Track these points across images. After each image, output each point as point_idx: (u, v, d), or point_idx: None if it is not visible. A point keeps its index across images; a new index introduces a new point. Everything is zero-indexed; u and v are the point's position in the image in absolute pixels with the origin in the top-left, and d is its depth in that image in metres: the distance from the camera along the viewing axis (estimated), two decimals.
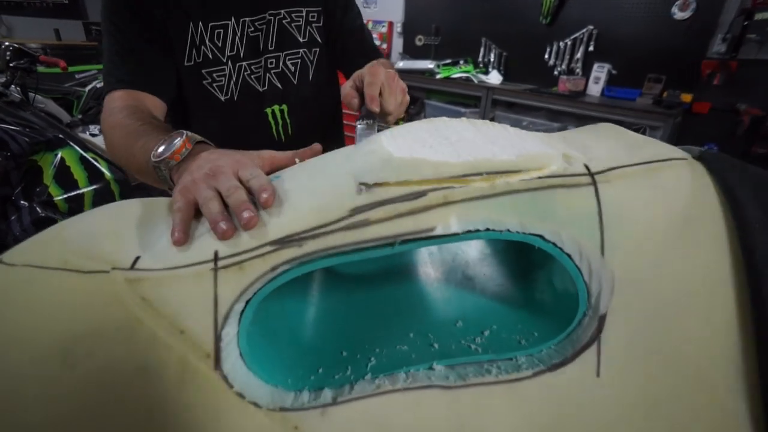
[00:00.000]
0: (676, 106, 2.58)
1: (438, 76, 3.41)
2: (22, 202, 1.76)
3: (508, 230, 0.33)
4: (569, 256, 0.33)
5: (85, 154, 1.89)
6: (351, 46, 0.91)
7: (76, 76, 3.12)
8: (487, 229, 0.32)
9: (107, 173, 1.92)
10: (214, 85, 0.81)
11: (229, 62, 0.80)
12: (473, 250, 0.46)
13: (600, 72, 2.99)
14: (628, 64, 2.90)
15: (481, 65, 3.57)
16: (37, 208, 1.76)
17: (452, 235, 0.32)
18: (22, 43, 4.96)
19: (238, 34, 0.80)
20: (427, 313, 0.40)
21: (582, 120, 2.97)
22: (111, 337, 0.32)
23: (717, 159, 0.35)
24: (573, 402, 0.32)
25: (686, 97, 2.66)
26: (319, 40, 0.89)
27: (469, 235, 0.33)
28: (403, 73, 3.81)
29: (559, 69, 3.19)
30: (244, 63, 0.82)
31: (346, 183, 0.34)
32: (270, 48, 0.84)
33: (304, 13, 0.86)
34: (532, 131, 0.45)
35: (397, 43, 4.07)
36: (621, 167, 0.35)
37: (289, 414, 0.32)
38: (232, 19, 0.79)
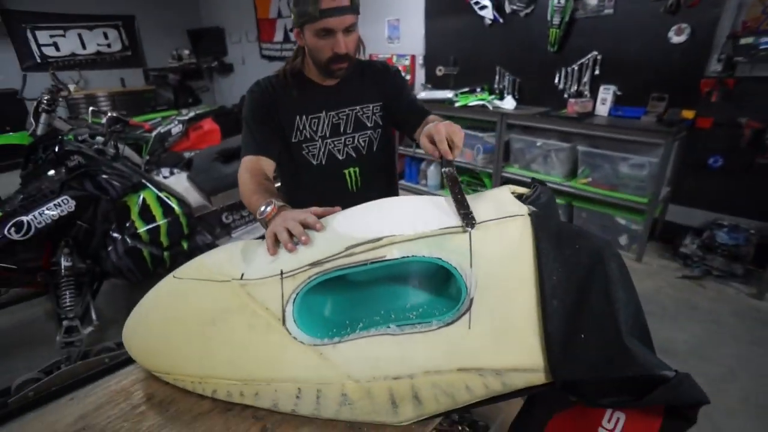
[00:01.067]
0: (677, 122, 2.76)
1: (457, 104, 3.71)
2: (115, 234, 2.22)
3: (424, 256, 0.65)
4: (456, 269, 0.65)
5: (160, 194, 2.35)
6: (407, 113, 1.29)
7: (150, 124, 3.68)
8: (413, 256, 0.65)
9: (177, 208, 2.38)
10: (310, 154, 1.26)
11: (320, 140, 1.26)
12: (418, 269, 0.79)
13: (606, 93, 3.20)
14: (632, 85, 3.10)
15: (496, 91, 3.85)
16: (127, 239, 2.22)
17: (395, 260, 0.66)
18: (92, 94, 5.68)
19: (326, 122, 1.25)
20: (390, 301, 0.73)
21: (591, 139, 3.16)
22: (234, 311, 0.68)
23: (537, 216, 0.66)
24: (457, 341, 0.63)
25: (688, 114, 2.84)
26: (381, 123, 1.31)
27: (404, 259, 0.66)
28: (425, 103, 4.15)
29: (568, 92, 3.42)
30: (329, 140, 1.27)
31: (346, 236, 0.69)
32: (348, 131, 1.27)
33: (370, 107, 1.29)
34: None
35: (420, 74, 4.43)
36: (486, 221, 0.67)
37: (318, 347, 0.66)
38: (323, 112, 1.24)
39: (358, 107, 1.27)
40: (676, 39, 2.82)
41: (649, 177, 2.79)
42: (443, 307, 0.70)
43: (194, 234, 2.43)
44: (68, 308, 2.01)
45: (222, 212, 2.59)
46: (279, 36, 5.86)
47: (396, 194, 1.43)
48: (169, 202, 2.37)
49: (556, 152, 3.30)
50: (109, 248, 2.20)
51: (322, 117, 1.24)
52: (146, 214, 2.29)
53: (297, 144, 1.24)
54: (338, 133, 1.26)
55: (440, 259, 0.66)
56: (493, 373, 0.63)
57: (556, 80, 3.47)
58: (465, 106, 3.69)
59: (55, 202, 1.96)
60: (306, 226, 0.74)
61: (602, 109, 3.22)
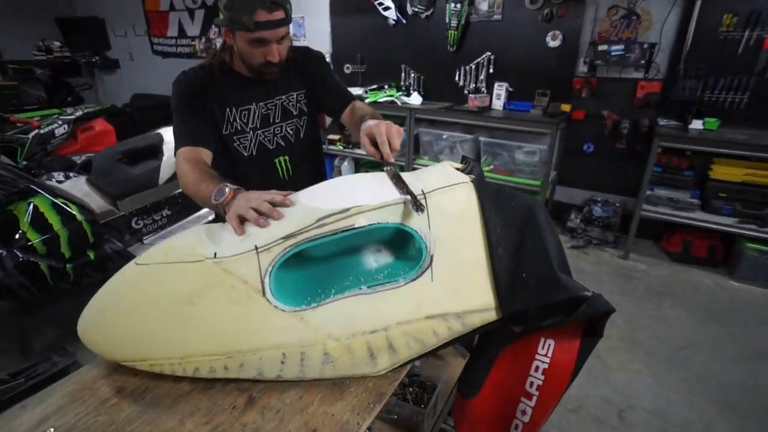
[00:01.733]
0: (558, 114, 3.22)
1: (367, 101, 3.84)
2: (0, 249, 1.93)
3: (388, 222, 0.74)
4: (416, 231, 0.75)
5: (56, 200, 2.09)
6: (331, 97, 1.34)
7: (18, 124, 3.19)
8: (378, 223, 0.74)
9: (78, 215, 2.14)
10: (241, 146, 1.26)
11: (251, 131, 1.26)
12: (378, 236, 0.87)
13: (500, 89, 3.57)
14: (521, 82, 3.52)
15: (403, 88, 4.07)
16: (17, 253, 1.95)
17: (363, 227, 0.73)
18: None
19: (257, 113, 1.26)
20: (359, 267, 0.81)
21: (490, 130, 3.52)
22: (211, 288, 0.70)
23: (478, 182, 0.79)
24: (423, 293, 0.74)
25: (565, 107, 3.32)
26: (305, 110, 1.34)
27: (370, 226, 0.74)
28: None
29: (468, 88, 3.76)
30: (259, 131, 1.28)
31: (315, 209, 0.74)
32: (277, 120, 1.30)
33: (295, 96, 1.31)
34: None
35: None
36: (437, 189, 0.78)
37: (298, 312, 0.71)
38: (253, 104, 1.25)
39: (284, 96, 1.29)
40: (552, 43, 3.27)
41: (540, 162, 3.21)
42: (404, 267, 0.79)
43: (101, 242, 2.21)
44: None
45: (131, 217, 2.39)
46: (173, 31, 5.45)
47: (325, 179, 1.43)
48: (68, 209, 2.12)
49: (461, 143, 3.61)
50: None
51: (253, 108, 1.25)
52: (40, 223, 2.02)
53: (228, 136, 1.24)
54: (268, 124, 1.28)
55: (402, 224, 0.75)
56: (455, 317, 0.74)
57: (457, 77, 3.78)
58: (375, 102, 3.83)
59: None
60: (273, 204, 0.78)
61: (498, 103, 3.59)
